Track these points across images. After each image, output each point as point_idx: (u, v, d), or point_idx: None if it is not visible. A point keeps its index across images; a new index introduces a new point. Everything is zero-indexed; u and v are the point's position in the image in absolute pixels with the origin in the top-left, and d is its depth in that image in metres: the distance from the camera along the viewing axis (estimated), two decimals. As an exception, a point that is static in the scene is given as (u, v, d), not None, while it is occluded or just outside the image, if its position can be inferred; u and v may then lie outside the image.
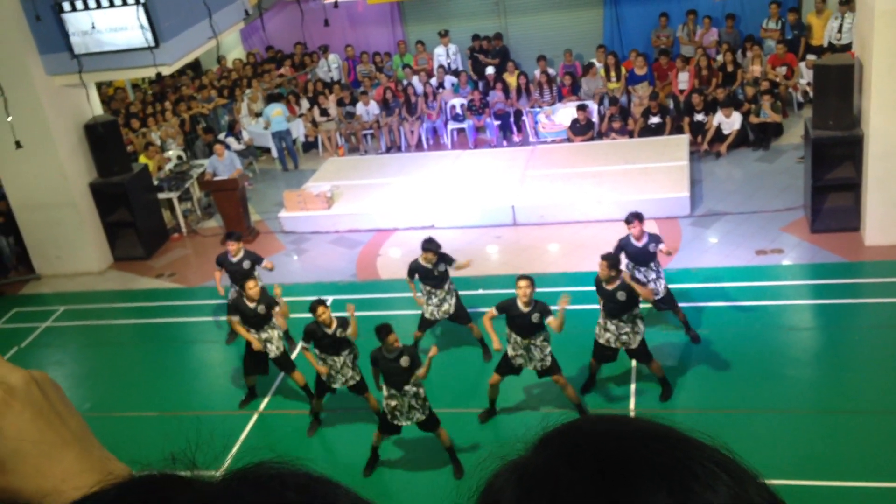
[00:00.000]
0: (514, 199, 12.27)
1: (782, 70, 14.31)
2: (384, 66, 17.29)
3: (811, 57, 13.69)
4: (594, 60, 15.47)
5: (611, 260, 7.73)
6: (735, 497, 0.70)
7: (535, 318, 7.50)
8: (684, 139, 13.34)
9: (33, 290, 12.58)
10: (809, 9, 14.91)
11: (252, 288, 8.40)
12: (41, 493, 0.88)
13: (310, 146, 16.13)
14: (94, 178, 12.52)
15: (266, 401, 9.12)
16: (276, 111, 15.21)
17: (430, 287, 8.83)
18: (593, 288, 9.53)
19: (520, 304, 7.51)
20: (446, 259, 8.81)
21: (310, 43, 18.08)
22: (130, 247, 12.87)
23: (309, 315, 7.92)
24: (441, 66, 16.39)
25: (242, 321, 8.56)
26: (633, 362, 8.54)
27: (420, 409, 7.34)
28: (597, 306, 9.06)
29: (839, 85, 10.10)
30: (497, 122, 15.01)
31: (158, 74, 11.41)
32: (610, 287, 7.70)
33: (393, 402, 7.31)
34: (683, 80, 14.57)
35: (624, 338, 7.86)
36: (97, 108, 12.73)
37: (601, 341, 8.00)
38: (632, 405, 8.26)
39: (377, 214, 12.62)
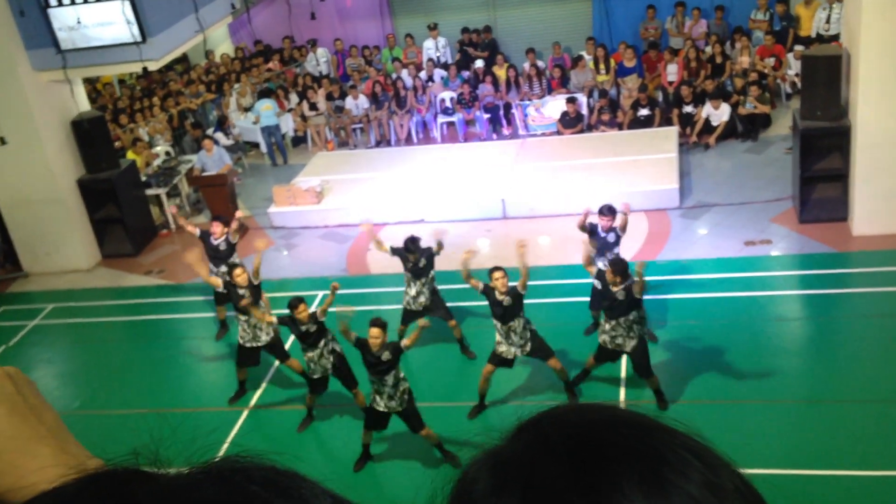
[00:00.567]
0: (504, 193, 12.28)
1: (770, 61, 14.34)
2: (373, 59, 17.26)
3: (799, 48, 13.73)
4: (583, 53, 15.48)
5: (617, 266, 7.69)
6: (707, 483, 0.70)
7: (506, 301, 7.75)
8: (673, 131, 13.37)
9: (21, 288, 12.52)
10: (797, 0, 14.95)
11: (240, 275, 8.47)
12: (15, 488, 0.88)
13: (299, 141, 16.09)
14: (81, 174, 12.46)
15: (257, 396, 9.11)
16: (266, 106, 15.16)
17: (410, 276, 8.91)
18: (584, 280, 9.57)
19: (497, 294, 7.79)
20: (428, 253, 8.81)
21: (298, 37, 18.03)
22: (119, 243, 12.82)
23: (316, 308, 8.16)
24: (430, 60, 16.36)
25: (231, 306, 8.70)
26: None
27: (398, 401, 7.38)
28: (578, 299, 9.16)
29: (827, 76, 10.13)
30: (487, 116, 15.01)
31: (145, 69, 11.36)
32: (615, 288, 7.71)
33: (374, 387, 7.43)
34: (672, 71, 14.59)
35: (618, 340, 7.83)
36: (84, 104, 12.66)
37: (599, 340, 8.05)
38: (622, 396, 8.29)
39: (367, 209, 12.60)
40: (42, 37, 11.18)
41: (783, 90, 14.45)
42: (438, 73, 15.99)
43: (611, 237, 8.59)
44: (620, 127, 14.03)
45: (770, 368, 8.27)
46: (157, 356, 10.22)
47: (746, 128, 13.41)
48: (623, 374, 8.53)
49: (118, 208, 12.56)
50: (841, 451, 7.14)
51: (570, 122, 14.14)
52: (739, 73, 14.22)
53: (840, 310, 9.28)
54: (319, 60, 17.48)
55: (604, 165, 12.55)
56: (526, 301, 7.86)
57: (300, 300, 7.91)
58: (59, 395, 9.54)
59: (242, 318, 8.57)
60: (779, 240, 10.54)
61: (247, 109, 16.03)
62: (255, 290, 8.55)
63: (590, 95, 14.80)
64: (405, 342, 7.37)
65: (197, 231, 9.83)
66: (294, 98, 16.22)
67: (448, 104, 15.27)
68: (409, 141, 15.33)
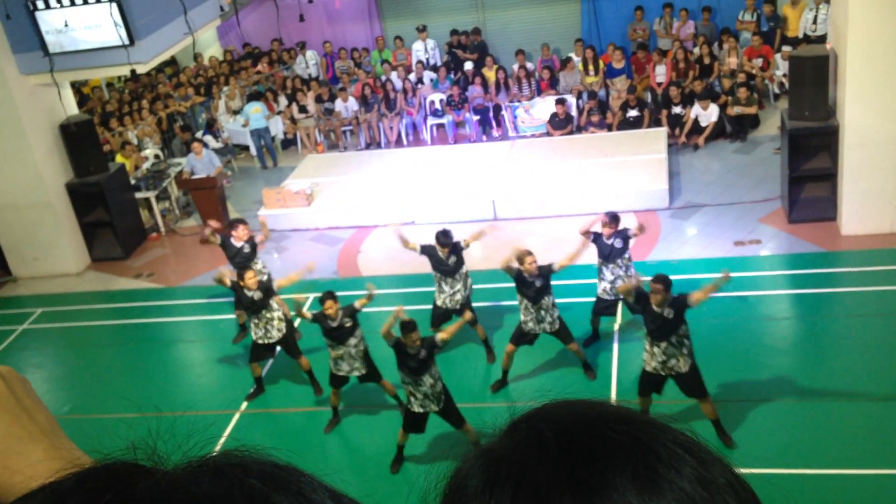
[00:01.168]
0: (495, 194, 12.29)
1: (758, 62, 14.41)
2: (362, 61, 17.25)
3: (787, 48, 13.80)
4: (572, 54, 15.51)
5: (666, 282, 7.06)
6: (699, 478, 0.71)
7: (538, 283, 7.94)
8: (662, 132, 13.41)
9: (10, 293, 12.45)
10: (784, 0, 15.02)
11: (251, 279, 8.46)
12: (7, 487, 0.87)
13: (288, 143, 16.07)
14: (70, 178, 12.40)
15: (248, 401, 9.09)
16: (255, 108, 15.13)
17: (440, 275, 8.80)
18: (578, 281, 9.58)
19: (526, 275, 7.94)
20: (458, 249, 8.76)
21: (287, 39, 18.01)
22: (108, 247, 12.76)
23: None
24: (419, 62, 16.37)
25: (242, 308, 8.63)
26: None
27: (435, 401, 7.35)
28: (583, 299, 9.14)
29: (814, 76, 10.18)
30: (476, 118, 15.02)
31: (133, 72, 11.31)
32: (657, 307, 7.09)
33: (409, 388, 7.37)
34: (661, 73, 14.64)
35: (672, 362, 7.18)
36: (72, 108, 12.60)
37: (648, 369, 7.33)
38: (613, 394, 8.30)
39: (357, 211, 12.59)
40: (29, 40, 11.12)
41: (771, 91, 14.52)
42: (428, 76, 16.00)
43: (618, 242, 8.47)
44: (610, 128, 14.07)
45: (760, 367, 8.31)
46: (148, 360, 10.18)
47: (735, 128, 13.46)
48: (615, 371, 8.55)
49: (107, 212, 12.51)
50: (831, 449, 7.17)
51: (560, 123, 14.17)
52: (727, 73, 14.28)
53: (829, 309, 9.32)
54: (308, 63, 17.46)
55: (593, 166, 12.57)
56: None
57: (329, 295, 7.88)
58: (49, 399, 9.49)
59: (253, 317, 8.61)
60: (768, 240, 10.59)
61: (236, 112, 16.00)
62: (267, 290, 8.55)
63: (579, 97, 14.83)
64: (441, 335, 7.33)
65: (218, 239, 9.55)
66: (283, 101, 16.19)
67: (437, 106, 15.27)
68: (398, 143, 15.33)
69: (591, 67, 15.10)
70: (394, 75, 16.04)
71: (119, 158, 13.81)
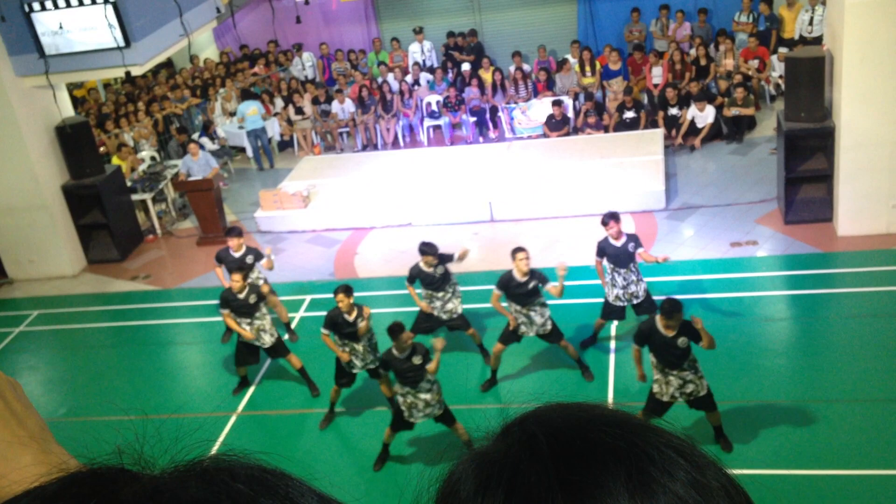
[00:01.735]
0: (492, 196, 12.29)
1: (754, 63, 14.43)
2: (359, 63, 17.24)
3: (783, 50, 13.83)
4: (568, 56, 15.53)
5: (680, 307, 6.72)
6: (693, 481, 0.70)
7: (531, 285, 7.95)
8: (659, 133, 13.42)
9: (6, 295, 12.42)
10: (781, 1, 15.05)
11: (237, 282, 8.45)
12: None
13: (285, 145, 16.06)
14: (66, 180, 12.38)
15: (244, 402, 9.07)
16: (252, 109, 15.09)
17: (431, 291, 8.72)
18: (575, 283, 9.57)
19: (517, 275, 7.94)
20: (445, 259, 8.71)
21: (284, 41, 18.00)
22: (104, 249, 12.74)
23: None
24: (416, 63, 16.37)
25: (233, 312, 8.61)
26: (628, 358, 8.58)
27: (437, 406, 7.37)
28: (581, 301, 9.14)
29: (810, 77, 10.20)
30: (473, 119, 15.02)
31: (128, 74, 11.29)
32: (670, 333, 6.77)
33: (409, 399, 7.32)
34: (657, 74, 14.66)
35: (690, 388, 6.92)
36: (67, 110, 12.58)
37: (666, 399, 7.01)
38: (610, 397, 8.30)
39: (354, 213, 12.59)
40: (25, 42, 11.10)
41: (767, 92, 14.54)
42: (424, 77, 16.00)
43: (630, 246, 8.22)
44: (606, 129, 14.08)
45: (756, 368, 8.31)
46: (144, 362, 10.16)
47: (731, 130, 13.48)
48: (612, 371, 8.55)
49: (103, 214, 12.49)
50: (828, 450, 7.18)
51: (557, 124, 14.18)
52: (724, 75, 14.30)
53: (825, 310, 9.33)
54: (305, 65, 17.46)
55: (590, 168, 12.58)
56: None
57: (343, 289, 7.88)
58: (45, 402, 9.47)
59: (245, 320, 8.61)
60: (764, 241, 10.60)
61: (232, 114, 15.98)
62: (259, 295, 8.56)
63: (575, 98, 14.84)
64: (430, 367, 7.27)
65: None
66: (279, 102, 16.19)
67: (434, 108, 15.27)
68: (395, 145, 15.33)
69: (587, 69, 15.11)
70: (390, 77, 16.04)
71: (115, 160, 13.79)
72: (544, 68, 15.36)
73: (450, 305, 8.74)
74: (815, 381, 8.15)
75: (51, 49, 11.04)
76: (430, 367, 7.27)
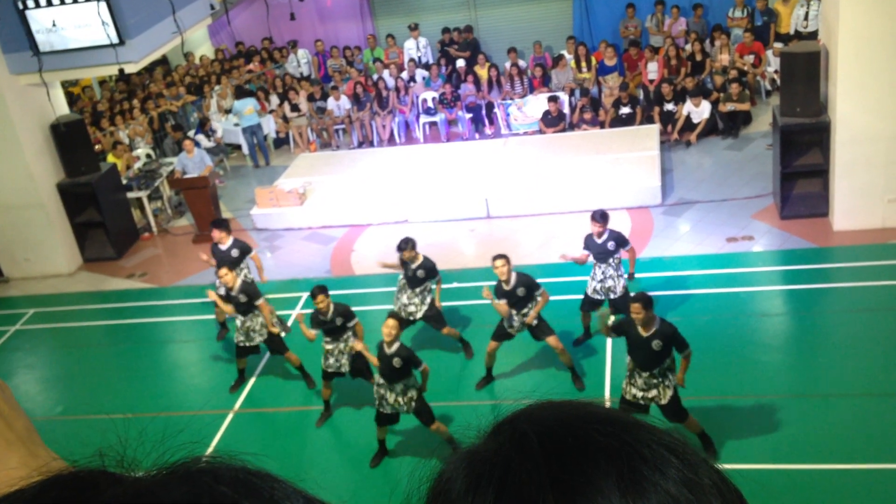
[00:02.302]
0: (488, 192, 12.28)
1: (750, 58, 14.43)
2: (354, 60, 17.22)
3: (778, 45, 13.82)
4: (564, 52, 15.51)
5: (644, 300, 6.65)
6: (684, 480, 0.70)
7: (519, 292, 7.88)
8: (655, 129, 13.42)
9: (1, 294, 12.40)
10: (776, -3, 15.06)
11: (224, 275, 8.38)
12: None
13: (281, 142, 16.03)
14: (61, 178, 12.35)
15: (241, 400, 9.07)
16: (248, 109, 15.05)
17: (405, 281, 8.80)
18: (570, 278, 9.58)
19: (502, 283, 7.89)
20: (428, 264, 8.66)
21: (279, 38, 17.97)
22: (100, 247, 12.72)
23: (301, 309, 8.10)
24: (412, 60, 16.35)
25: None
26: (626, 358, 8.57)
27: (405, 406, 7.39)
28: (575, 297, 9.13)
29: (806, 72, 10.20)
30: (469, 115, 15.01)
31: (121, 71, 11.26)
32: (645, 333, 6.70)
33: (381, 391, 7.41)
34: (653, 70, 14.66)
35: (653, 393, 6.91)
36: (62, 108, 12.55)
37: (627, 397, 7.03)
38: (606, 394, 8.31)
39: (350, 210, 12.58)
40: (18, 40, 11.06)
41: (763, 87, 14.54)
42: (420, 74, 15.98)
43: (610, 245, 8.33)
44: (602, 125, 14.08)
45: (753, 363, 8.32)
46: (141, 360, 10.14)
47: (727, 125, 13.48)
48: (608, 371, 8.55)
49: (99, 212, 12.46)
50: (825, 445, 7.18)
51: (553, 120, 14.17)
52: (719, 70, 14.30)
53: (822, 304, 9.35)
54: (300, 61, 17.43)
55: (586, 164, 12.58)
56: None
57: (320, 289, 7.89)
58: (42, 401, 9.46)
59: (237, 319, 8.59)
60: (760, 236, 10.61)
61: (227, 111, 15.95)
62: (251, 294, 8.52)
63: (571, 94, 14.83)
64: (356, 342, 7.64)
65: (213, 260, 9.42)
66: (275, 99, 16.16)
67: (430, 104, 15.25)
68: (391, 141, 15.31)
69: (583, 65, 15.11)
70: (386, 73, 16.01)
71: (110, 158, 13.76)
72: (540, 64, 15.35)
73: (411, 308, 8.75)
74: (810, 375, 8.16)
75: (45, 46, 11.00)
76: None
